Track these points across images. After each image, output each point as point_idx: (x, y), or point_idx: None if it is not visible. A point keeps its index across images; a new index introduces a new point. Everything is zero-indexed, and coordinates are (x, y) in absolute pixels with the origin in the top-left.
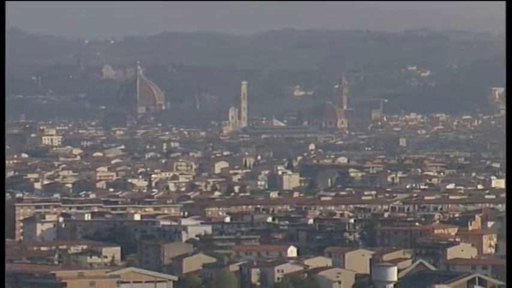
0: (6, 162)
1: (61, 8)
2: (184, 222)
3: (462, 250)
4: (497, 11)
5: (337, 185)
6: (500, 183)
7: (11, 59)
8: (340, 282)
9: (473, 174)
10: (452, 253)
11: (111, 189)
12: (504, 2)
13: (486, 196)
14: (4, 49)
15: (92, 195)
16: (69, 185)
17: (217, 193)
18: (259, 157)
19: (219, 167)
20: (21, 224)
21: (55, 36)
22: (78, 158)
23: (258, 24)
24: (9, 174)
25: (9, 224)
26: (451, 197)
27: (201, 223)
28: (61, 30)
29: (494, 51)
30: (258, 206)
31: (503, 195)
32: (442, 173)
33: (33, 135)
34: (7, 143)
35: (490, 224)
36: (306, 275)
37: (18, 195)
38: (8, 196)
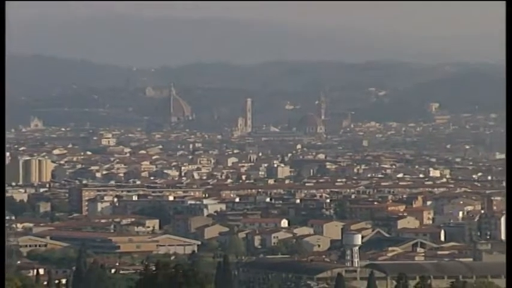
0: (75, 158)
1: (116, 43)
2: (205, 201)
3: (408, 222)
4: (435, 46)
5: (317, 175)
6: (436, 173)
7: (79, 83)
8: (319, 245)
9: (416, 166)
10: (401, 224)
11: (152, 178)
12: (504, 2)
13: (426, 182)
14: (4, 49)
15: (138, 182)
16: (121, 175)
17: (229, 180)
18: (260, 154)
19: (230, 161)
20: (86, 203)
21: (111, 65)
22: (128, 154)
23: (260, 57)
24: (77, 166)
25: (77, 203)
26: (400, 183)
27: (218, 202)
28: (115, 60)
29: (431, 77)
30: (259, 190)
31: (439, 181)
32: (393, 166)
33: (95, 138)
34: (76, 144)
35: (428, 203)
36: (294, 240)
37: (84, 182)
38: (76, 182)
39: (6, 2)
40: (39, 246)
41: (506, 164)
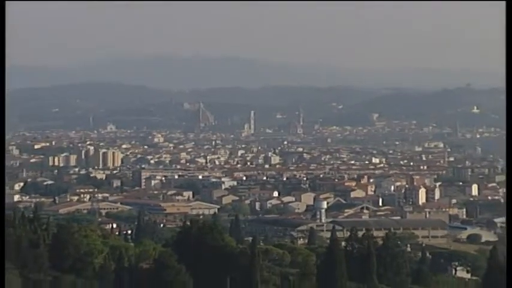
0: (137, 150)
1: (164, 73)
2: (223, 179)
3: (358, 193)
4: (375, 76)
5: (297, 162)
6: (376, 160)
7: (140, 100)
8: (299, 208)
9: (363, 156)
10: (353, 194)
11: (188, 163)
12: (504, 2)
13: (369, 167)
14: (4, 49)
15: (178, 166)
16: (167, 161)
17: (239, 165)
18: (259, 148)
19: (240, 152)
20: (144, 180)
21: (161, 88)
22: (172, 148)
23: (260, 83)
24: (138, 156)
25: (138, 180)
26: (352, 167)
27: (231, 180)
28: (163, 85)
29: (373, 96)
30: (259, 171)
31: (378, 166)
32: (348, 156)
33: (149, 137)
34: (137, 141)
35: (371, 180)
36: (282, 205)
37: (143, 166)
38: (137, 167)
39: (6, 2)
40: (113, 209)
41: (506, 164)
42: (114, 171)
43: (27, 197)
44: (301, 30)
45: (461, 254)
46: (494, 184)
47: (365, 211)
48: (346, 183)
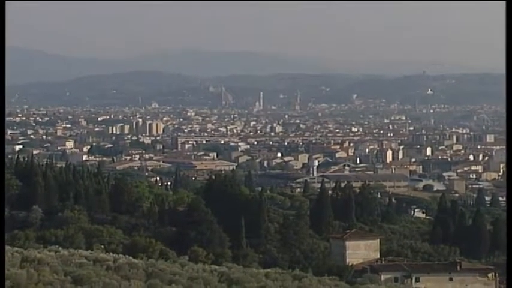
0: (174, 122)
1: (195, 67)
2: (239, 144)
3: (341, 154)
4: (354, 65)
5: (295, 130)
6: (355, 129)
7: (178, 86)
8: (296, 165)
9: (345, 126)
10: (337, 155)
11: (212, 132)
12: (504, 2)
13: (350, 134)
14: (4, 49)
15: (205, 134)
16: (197, 130)
17: (251, 133)
18: (267, 120)
19: (252, 123)
20: (180, 144)
21: (194, 76)
22: (200, 120)
23: (266, 72)
24: (175, 126)
25: (175, 144)
26: (337, 135)
27: (245, 144)
28: (195, 73)
29: (353, 81)
30: (266, 138)
31: (356, 134)
32: (333, 126)
33: (184, 112)
34: (175, 115)
35: (351, 144)
36: (284, 163)
37: (179, 134)
38: (175, 134)
39: (6, 2)
40: (156, 166)
41: (506, 164)
42: (157, 138)
43: (93, 156)
44: (299, 29)
45: (418, 200)
46: (443, 147)
47: (346, 167)
48: (332, 147)
